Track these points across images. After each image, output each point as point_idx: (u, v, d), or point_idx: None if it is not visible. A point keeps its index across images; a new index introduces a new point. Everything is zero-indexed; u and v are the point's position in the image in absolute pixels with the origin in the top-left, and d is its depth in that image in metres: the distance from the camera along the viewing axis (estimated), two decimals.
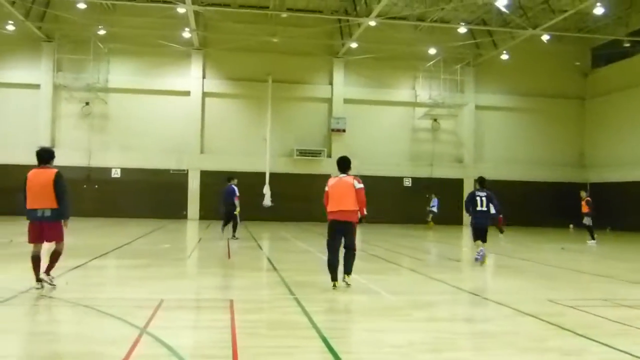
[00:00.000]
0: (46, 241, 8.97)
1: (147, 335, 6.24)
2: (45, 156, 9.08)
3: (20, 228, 22.76)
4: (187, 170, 33.57)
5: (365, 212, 10.00)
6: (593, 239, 21.98)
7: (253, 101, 34.45)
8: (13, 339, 6.11)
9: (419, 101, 35.62)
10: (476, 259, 14.04)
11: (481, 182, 14.81)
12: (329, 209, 9.96)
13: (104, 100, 33.03)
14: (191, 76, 33.94)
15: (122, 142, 33.11)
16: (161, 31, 32.31)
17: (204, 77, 34.13)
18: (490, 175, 34.27)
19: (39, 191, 8.74)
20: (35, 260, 8.79)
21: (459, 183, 35.30)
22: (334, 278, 9.79)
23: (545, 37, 31.24)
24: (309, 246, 18.56)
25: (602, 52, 35.72)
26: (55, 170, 8.95)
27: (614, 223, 33.47)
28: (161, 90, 33.66)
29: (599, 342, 6.41)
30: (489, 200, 14.17)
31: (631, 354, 5.92)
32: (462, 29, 32.41)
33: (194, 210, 33.42)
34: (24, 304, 8.01)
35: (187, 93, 33.91)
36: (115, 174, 33.14)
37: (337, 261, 9.87)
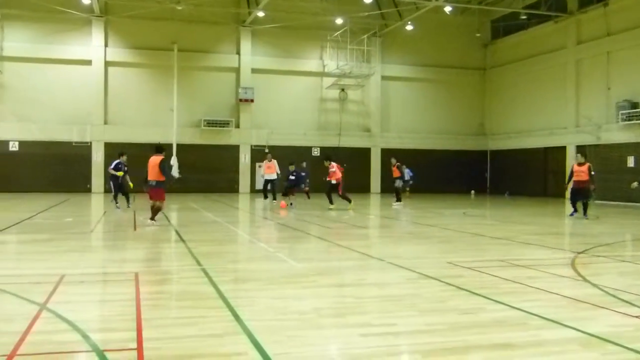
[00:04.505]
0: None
1: (47, 311, 6.05)
2: (157, 148, 14.90)
3: None
4: (91, 143, 32.41)
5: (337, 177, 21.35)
6: (399, 201, 23.78)
7: (159, 71, 33.58)
8: None
9: (327, 71, 35.79)
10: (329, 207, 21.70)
11: (326, 158, 22.24)
12: (329, 177, 21.28)
13: None
14: (92, 44, 32.58)
15: (20, 114, 31.55)
16: None
17: (106, 46, 32.86)
18: (396, 144, 35.71)
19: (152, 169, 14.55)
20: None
21: (366, 152, 35.92)
22: (331, 203, 21.06)
23: (448, 9, 32.09)
24: (216, 217, 18.47)
25: (501, 24, 37.00)
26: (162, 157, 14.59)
27: (512, 188, 35.24)
28: (61, 59, 32.19)
29: (494, 300, 6.75)
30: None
31: (523, 310, 6.28)
32: None
33: (98, 183, 32.36)
34: None
35: (89, 62, 32.59)
36: (14, 147, 31.60)
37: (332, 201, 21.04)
